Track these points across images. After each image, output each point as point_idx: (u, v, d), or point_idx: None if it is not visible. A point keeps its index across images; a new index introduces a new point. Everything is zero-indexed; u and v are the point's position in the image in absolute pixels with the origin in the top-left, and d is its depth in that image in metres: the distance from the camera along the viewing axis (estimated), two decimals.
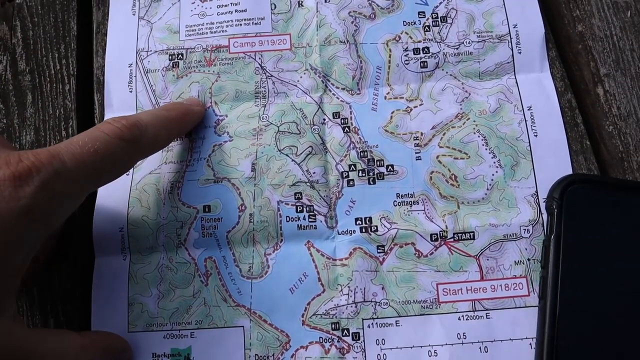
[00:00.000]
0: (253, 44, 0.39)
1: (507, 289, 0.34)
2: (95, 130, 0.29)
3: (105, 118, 0.39)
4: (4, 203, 0.26)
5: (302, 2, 0.40)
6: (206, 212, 0.36)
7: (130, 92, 0.39)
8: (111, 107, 0.39)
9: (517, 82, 0.38)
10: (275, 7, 0.40)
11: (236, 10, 0.40)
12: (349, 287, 0.34)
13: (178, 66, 0.39)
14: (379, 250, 0.35)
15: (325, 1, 0.40)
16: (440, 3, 0.39)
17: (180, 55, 0.40)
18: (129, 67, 0.40)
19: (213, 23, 0.40)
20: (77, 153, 0.28)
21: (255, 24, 0.40)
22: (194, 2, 0.41)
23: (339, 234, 0.35)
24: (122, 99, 0.39)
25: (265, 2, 0.40)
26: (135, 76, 0.39)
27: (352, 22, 0.39)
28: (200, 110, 0.37)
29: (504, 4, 0.39)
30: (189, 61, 0.39)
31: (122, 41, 0.40)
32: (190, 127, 0.37)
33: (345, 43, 0.39)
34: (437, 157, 0.36)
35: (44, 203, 0.27)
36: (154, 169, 0.37)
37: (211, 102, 0.39)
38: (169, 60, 0.40)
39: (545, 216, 0.35)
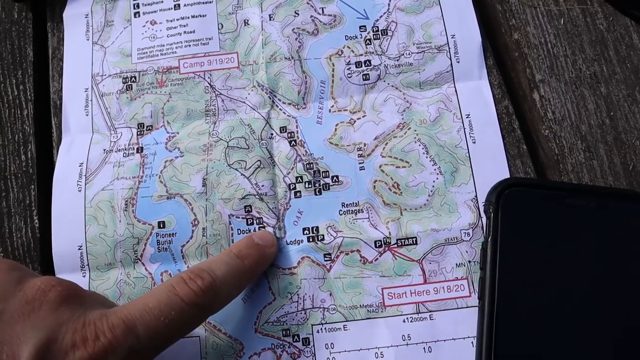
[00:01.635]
0: (202, 64, 0.41)
1: (449, 290, 0.36)
2: (170, 293, 0.29)
3: (63, 141, 0.40)
4: None
5: (247, 20, 0.41)
6: (161, 227, 0.37)
7: (87, 115, 0.41)
8: (68, 130, 0.41)
9: (456, 91, 0.39)
10: (222, 26, 0.42)
11: (185, 32, 0.42)
12: (298, 294, 0.36)
13: (131, 88, 0.41)
14: (326, 259, 0.36)
15: (270, 19, 0.41)
16: (381, 17, 0.41)
17: (133, 78, 0.41)
18: (85, 91, 0.41)
19: (163, 45, 0.42)
20: (152, 326, 0.28)
21: (204, 44, 0.41)
22: (145, 25, 0.42)
23: (287, 244, 0.37)
24: (78, 121, 0.41)
25: (213, 22, 0.42)
26: (91, 100, 0.41)
27: (296, 39, 0.41)
28: (273, 252, 0.35)
29: (442, 15, 0.41)
30: (142, 83, 0.41)
31: (78, 66, 0.42)
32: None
33: (290, 59, 0.40)
34: (380, 166, 0.38)
35: None
36: (106, 185, 0.38)
37: (163, 122, 0.40)
38: (123, 83, 0.41)
39: (484, 220, 0.36)
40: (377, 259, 0.36)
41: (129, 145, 0.39)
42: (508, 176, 0.37)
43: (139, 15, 0.43)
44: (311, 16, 0.41)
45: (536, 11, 0.41)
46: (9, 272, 0.28)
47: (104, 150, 0.40)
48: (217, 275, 0.30)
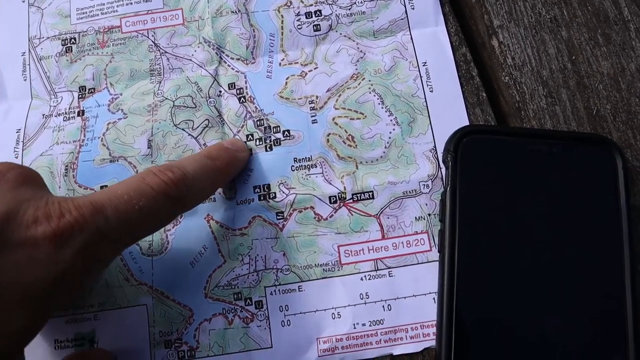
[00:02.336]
0: (145, 22, 0.39)
1: (408, 245, 0.34)
2: (141, 182, 0.27)
3: (0, 107, 0.38)
4: (41, 268, 0.24)
5: None
6: None
7: (25, 80, 0.38)
8: (5, 97, 0.38)
9: (412, 38, 0.37)
10: None
11: None
12: (249, 256, 0.34)
13: (71, 50, 0.39)
14: (278, 217, 0.34)
15: None
16: None
17: (72, 40, 0.39)
18: (22, 55, 0.39)
19: (104, 4, 0.39)
20: (121, 210, 0.26)
21: (147, 1, 0.39)
22: None
23: (237, 204, 0.35)
24: (16, 87, 0.38)
25: None
26: (29, 64, 0.39)
27: None
28: (245, 156, 0.35)
29: None
30: (82, 45, 0.39)
31: (13, 30, 0.40)
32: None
33: (237, 13, 0.38)
34: (333, 119, 0.36)
35: (80, 267, 0.25)
36: (44, 150, 0.36)
37: (106, 84, 0.38)
38: (62, 45, 0.39)
39: (444, 171, 0.34)
40: (332, 215, 0.34)
41: (69, 109, 0.37)
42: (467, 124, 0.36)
43: None
44: None
45: None
46: None
47: (43, 115, 0.37)
48: (187, 170, 0.29)
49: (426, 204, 0.34)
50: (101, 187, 0.35)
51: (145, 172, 0.28)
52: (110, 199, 0.26)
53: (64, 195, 0.35)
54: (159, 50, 0.38)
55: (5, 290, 0.23)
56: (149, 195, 0.27)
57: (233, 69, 0.37)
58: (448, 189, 0.33)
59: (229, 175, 0.34)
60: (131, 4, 0.39)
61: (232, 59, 0.38)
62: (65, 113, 0.37)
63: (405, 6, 0.38)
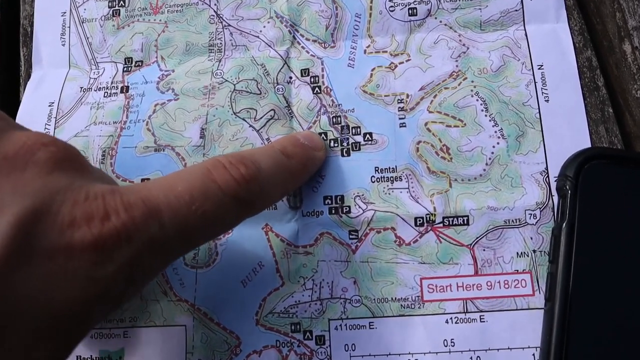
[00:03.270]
0: None
1: (506, 286, 0.28)
2: (206, 177, 0.22)
3: (33, 75, 0.32)
4: (76, 286, 0.18)
5: None
6: None
7: (63, 45, 0.33)
8: (40, 63, 0.33)
9: (526, 35, 0.31)
10: None
11: None
12: (313, 280, 0.28)
13: (119, 14, 0.33)
14: (351, 236, 0.29)
15: None
16: None
17: (121, 2, 0.33)
18: (62, 16, 0.33)
19: None
20: (180, 214, 0.21)
21: None
22: None
23: (303, 215, 0.29)
24: (52, 53, 0.33)
25: None
26: (69, 27, 0.33)
27: None
28: (321, 156, 0.29)
29: None
30: (132, 8, 0.33)
31: None
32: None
33: None
34: (426, 124, 0.30)
35: (123, 285, 0.20)
36: (80, 130, 0.31)
37: (156, 57, 0.32)
38: (109, 7, 0.33)
39: (556, 199, 0.28)
40: (416, 240, 0.28)
41: (111, 83, 0.32)
42: (588, 146, 0.29)
43: None
44: None
45: None
46: None
47: (81, 88, 0.32)
48: (261, 166, 0.24)
49: (531, 238, 0.28)
50: (142, 180, 0.30)
51: (212, 162, 0.23)
52: (168, 199, 0.21)
53: None
54: (221, 22, 0.32)
55: (29, 313, 0.18)
56: (215, 197, 0.22)
57: (308, 52, 0.31)
58: (564, 224, 0.27)
59: (303, 178, 0.28)
60: None
61: (307, 40, 0.32)
62: (107, 88, 0.32)
63: None
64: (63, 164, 0.20)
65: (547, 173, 0.29)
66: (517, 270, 0.28)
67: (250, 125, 0.30)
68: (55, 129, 0.31)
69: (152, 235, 0.20)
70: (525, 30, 0.31)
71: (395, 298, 0.28)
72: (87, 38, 0.33)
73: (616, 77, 0.31)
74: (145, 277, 0.22)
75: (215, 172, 0.22)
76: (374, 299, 0.28)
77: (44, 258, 0.18)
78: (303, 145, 0.28)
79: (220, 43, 0.32)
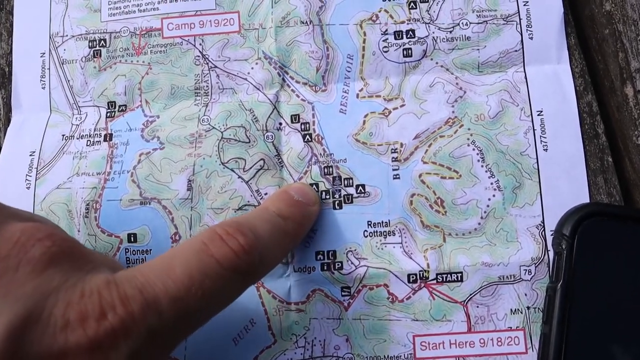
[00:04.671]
0: (192, 26, 0.31)
1: (499, 343, 0.28)
2: (204, 254, 0.21)
3: (13, 120, 0.31)
4: None
5: None
6: (131, 242, 0.29)
7: (43, 88, 0.32)
8: (20, 108, 0.32)
9: (526, 77, 0.30)
10: None
11: None
12: (305, 338, 0.28)
13: (100, 55, 0.31)
14: (343, 293, 0.28)
15: None
16: None
17: (102, 42, 0.32)
18: (41, 56, 0.32)
19: None
20: (179, 300, 0.20)
21: None
22: None
23: (295, 271, 0.28)
24: (33, 97, 0.32)
25: None
26: (49, 68, 0.32)
27: None
28: (316, 210, 0.28)
29: None
30: (113, 49, 0.31)
31: (32, 23, 0.33)
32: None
33: (308, 24, 0.30)
34: (420, 175, 0.29)
35: None
36: (62, 182, 0.30)
37: (140, 101, 0.31)
38: (89, 47, 0.32)
39: (551, 253, 0.28)
40: (409, 297, 0.28)
41: (94, 130, 0.30)
42: (587, 198, 0.28)
43: None
44: None
45: None
46: None
47: (63, 136, 0.31)
48: (259, 233, 0.23)
49: (526, 294, 0.28)
50: (128, 235, 0.29)
51: (208, 235, 0.22)
52: (166, 285, 0.20)
53: (83, 241, 0.29)
54: (207, 63, 0.31)
55: None
56: (214, 273, 0.21)
57: (298, 96, 0.30)
58: (559, 285, 0.26)
59: (301, 237, 0.28)
60: (176, 1, 0.31)
61: (297, 82, 0.30)
62: (90, 135, 0.30)
63: (522, 34, 0.30)
64: (58, 258, 0.20)
65: (544, 226, 0.28)
66: (511, 327, 0.28)
67: (239, 177, 0.29)
68: (36, 180, 0.30)
69: (151, 327, 0.19)
70: (525, 72, 0.30)
71: (388, 356, 0.28)
72: (68, 81, 0.31)
73: (617, 120, 0.30)
74: None
75: (212, 245, 0.22)
76: (367, 357, 0.28)
77: None
78: (297, 202, 0.27)
79: (207, 86, 0.31)
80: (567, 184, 0.29)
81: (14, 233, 0.19)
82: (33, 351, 0.17)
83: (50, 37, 0.32)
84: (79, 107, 0.31)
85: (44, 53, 0.32)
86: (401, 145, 0.29)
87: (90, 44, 0.32)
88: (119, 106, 0.31)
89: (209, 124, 0.30)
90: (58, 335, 0.18)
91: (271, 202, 0.27)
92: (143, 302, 0.19)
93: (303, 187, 0.28)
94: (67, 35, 0.32)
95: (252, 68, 0.31)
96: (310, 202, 0.28)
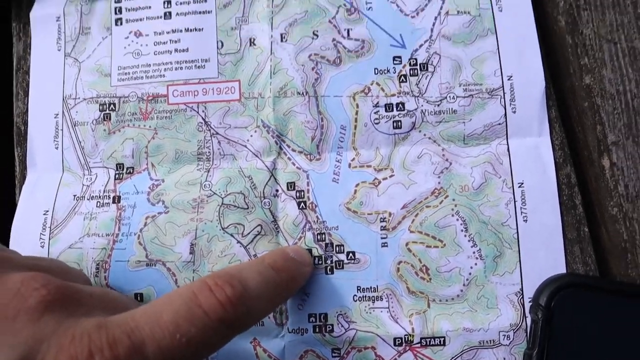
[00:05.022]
0: (196, 93, 0.33)
1: None
2: (192, 303, 0.23)
3: (28, 178, 0.33)
4: None
5: (254, 39, 0.33)
6: (138, 301, 0.31)
7: (56, 148, 0.34)
8: (34, 167, 0.34)
9: (508, 150, 0.31)
10: (222, 45, 0.33)
11: (176, 50, 0.33)
12: None
13: (110, 119, 0.33)
14: (334, 354, 0.30)
15: (282, 40, 0.33)
16: (421, 46, 0.32)
17: (112, 106, 0.34)
18: (55, 117, 0.34)
19: (149, 65, 0.34)
20: (164, 346, 0.21)
21: (199, 67, 0.33)
22: (128, 37, 0.34)
23: (289, 332, 0.31)
24: (46, 157, 0.34)
25: (211, 38, 0.33)
26: (62, 129, 0.34)
27: (313, 69, 0.32)
28: (309, 272, 0.30)
29: (498, 48, 0.32)
30: (122, 113, 0.33)
31: (47, 84, 0.34)
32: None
33: (304, 95, 0.32)
34: (407, 244, 0.31)
35: None
36: (74, 241, 0.32)
37: (147, 164, 0.33)
38: (100, 111, 0.34)
39: (529, 320, 0.30)
40: (395, 359, 0.30)
41: (104, 192, 0.33)
42: (564, 266, 0.30)
43: (121, 23, 0.34)
44: (333, 40, 0.33)
45: (616, 48, 0.33)
46: None
47: (75, 196, 0.33)
48: (249, 285, 0.24)
49: (504, 359, 0.30)
50: (135, 295, 0.31)
51: (198, 285, 0.23)
52: (153, 331, 0.22)
53: None
54: (209, 130, 0.33)
55: None
56: (200, 322, 0.22)
57: (294, 164, 0.32)
58: (535, 351, 0.28)
59: (292, 293, 0.29)
60: (181, 69, 0.33)
61: (293, 151, 0.32)
62: (99, 197, 0.32)
63: (505, 108, 0.32)
64: (53, 306, 0.22)
65: (522, 294, 0.30)
66: None
67: (238, 242, 0.31)
68: (50, 239, 0.32)
69: None
70: (508, 144, 0.32)
71: None
72: (80, 142, 0.34)
73: (595, 190, 0.32)
74: None
75: (201, 296, 0.23)
76: None
77: None
78: (293, 259, 0.29)
79: (209, 152, 0.33)
80: (545, 253, 0.30)
81: (15, 283, 0.22)
82: None
83: (63, 99, 0.34)
84: (89, 167, 0.33)
85: (58, 114, 0.34)
86: (390, 214, 0.31)
87: (100, 107, 0.34)
88: (127, 168, 0.33)
89: (210, 189, 0.32)
90: None
91: (268, 255, 0.28)
92: (130, 346, 0.21)
93: (299, 249, 0.31)
94: (79, 98, 0.34)
95: (251, 135, 0.33)
96: (305, 263, 0.30)
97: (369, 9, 0.33)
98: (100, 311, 0.23)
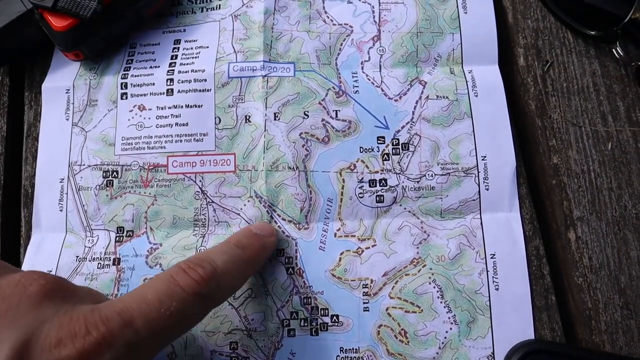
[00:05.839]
0: (194, 164, 0.36)
1: None
2: (170, 283, 0.26)
3: (32, 238, 0.35)
4: None
5: (249, 117, 0.36)
6: None
7: (61, 210, 0.36)
8: (39, 227, 0.36)
9: (482, 224, 0.34)
10: (219, 121, 0.36)
11: (177, 124, 0.36)
12: None
13: (112, 185, 0.36)
14: None
15: (275, 118, 0.36)
16: (403, 127, 0.35)
17: (115, 173, 0.36)
18: (61, 182, 0.36)
19: (151, 137, 0.36)
20: (152, 319, 0.25)
21: (197, 140, 0.36)
22: (132, 110, 0.37)
23: None
24: (51, 218, 0.36)
25: (209, 115, 0.36)
26: (67, 193, 0.36)
27: (303, 146, 0.35)
28: (273, 242, 0.33)
29: (473, 130, 0.35)
30: (124, 180, 0.36)
31: (55, 151, 0.37)
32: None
33: (295, 170, 0.35)
34: (387, 309, 0.33)
35: None
36: None
37: (146, 228, 0.35)
38: (103, 177, 0.36)
39: None
40: None
41: (104, 254, 0.35)
42: (532, 332, 0.33)
43: (126, 97, 0.37)
44: (323, 120, 0.36)
45: (581, 131, 0.36)
46: None
47: (77, 257, 0.35)
48: (217, 264, 0.28)
49: None
50: None
51: (175, 269, 0.27)
52: (140, 307, 0.25)
53: None
54: (205, 198, 0.35)
55: None
56: (180, 297, 0.26)
57: (284, 232, 0.35)
58: None
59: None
60: (181, 141, 0.36)
61: (283, 219, 0.35)
62: (100, 258, 0.35)
63: (479, 185, 0.35)
64: (51, 293, 0.25)
65: (494, 357, 0.32)
66: None
67: (230, 304, 0.34)
68: None
69: (129, 340, 0.24)
70: (481, 219, 0.34)
71: None
72: (83, 205, 0.36)
73: (562, 260, 0.35)
74: None
75: (178, 277, 0.26)
76: None
77: None
78: (256, 235, 0.32)
79: (204, 218, 0.35)
80: (515, 319, 0.33)
81: (15, 277, 0.25)
82: None
83: (69, 165, 0.37)
84: (91, 229, 0.36)
85: (63, 179, 0.36)
86: (371, 281, 0.34)
87: (104, 174, 0.36)
88: (127, 231, 0.35)
89: None
90: (53, 351, 0.22)
91: (233, 236, 0.32)
92: (121, 322, 0.24)
93: (261, 224, 0.34)
94: (84, 165, 0.36)
95: (245, 205, 0.35)
96: (267, 234, 0.33)
97: (356, 92, 0.36)
98: (91, 301, 0.26)
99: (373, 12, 0.38)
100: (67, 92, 0.38)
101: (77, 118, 0.37)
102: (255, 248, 0.31)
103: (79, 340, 0.23)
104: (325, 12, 0.38)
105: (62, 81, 0.38)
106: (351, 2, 0.39)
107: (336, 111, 0.36)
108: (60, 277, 0.26)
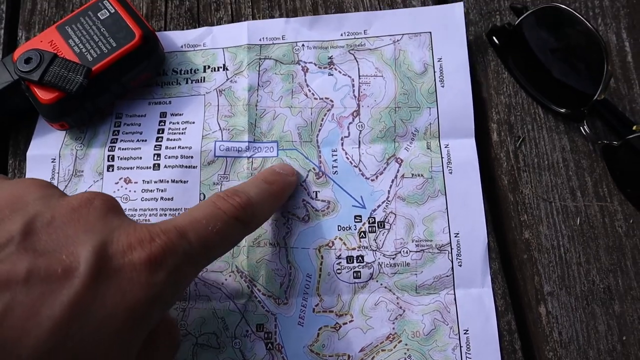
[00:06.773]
0: None
1: None
2: (213, 207, 0.29)
3: None
4: (140, 291, 0.25)
5: None
6: None
7: None
8: None
9: (455, 299, 0.35)
10: (204, 197, 0.37)
11: (162, 198, 0.37)
12: None
13: None
14: None
15: None
16: (379, 206, 0.37)
17: None
18: None
19: (136, 210, 0.37)
20: (201, 234, 0.28)
21: None
22: (118, 183, 0.38)
23: None
24: None
25: (194, 191, 0.37)
26: None
27: (285, 224, 0.36)
28: (295, 180, 0.37)
29: (447, 208, 0.37)
30: None
31: None
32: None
33: (276, 246, 0.36)
34: None
35: (172, 287, 0.26)
36: None
37: None
38: None
39: None
40: None
41: None
42: None
43: (113, 170, 0.38)
44: (303, 200, 0.37)
45: (551, 207, 0.37)
46: (48, 187, 0.28)
47: None
48: (251, 195, 0.31)
49: None
50: None
51: (215, 197, 0.30)
52: (192, 224, 0.28)
53: None
54: None
55: (114, 312, 0.24)
56: (222, 219, 0.29)
57: (264, 307, 0.36)
58: None
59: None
60: (165, 215, 0.37)
61: (263, 294, 0.36)
62: None
63: (452, 262, 0.36)
64: (114, 208, 0.28)
65: None
66: None
67: None
68: None
69: (185, 250, 0.27)
70: (454, 294, 0.36)
71: None
72: None
73: (533, 333, 0.36)
74: (185, 281, 0.28)
75: (219, 202, 0.30)
76: None
77: (117, 273, 0.25)
78: (279, 173, 0.35)
79: (186, 292, 0.36)
80: None
81: (78, 195, 0.27)
82: (112, 264, 0.25)
83: None
84: None
85: None
86: (349, 357, 0.35)
87: None
88: None
89: (186, 329, 0.35)
90: (126, 253, 0.25)
91: (261, 173, 0.35)
92: (177, 234, 0.27)
93: (283, 164, 0.38)
94: None
95: (226, 279, 0.36)
96: (289, 173, 0.36)
97: (335, 172, 0.37)
98: None
99: (353, 85, 0.40)
100: (52, 162, 0.39)
101: (62, 188, 0.38)
102: (280, 184, 0.35)
103: (146, 245, 0.25)
104: (307, 85, 0.40)
105: (48, 149, 0.39)
106: (332, 75, 0.40)
107: (316, 192, 0.37)
108: (115, 199, 0.29)
